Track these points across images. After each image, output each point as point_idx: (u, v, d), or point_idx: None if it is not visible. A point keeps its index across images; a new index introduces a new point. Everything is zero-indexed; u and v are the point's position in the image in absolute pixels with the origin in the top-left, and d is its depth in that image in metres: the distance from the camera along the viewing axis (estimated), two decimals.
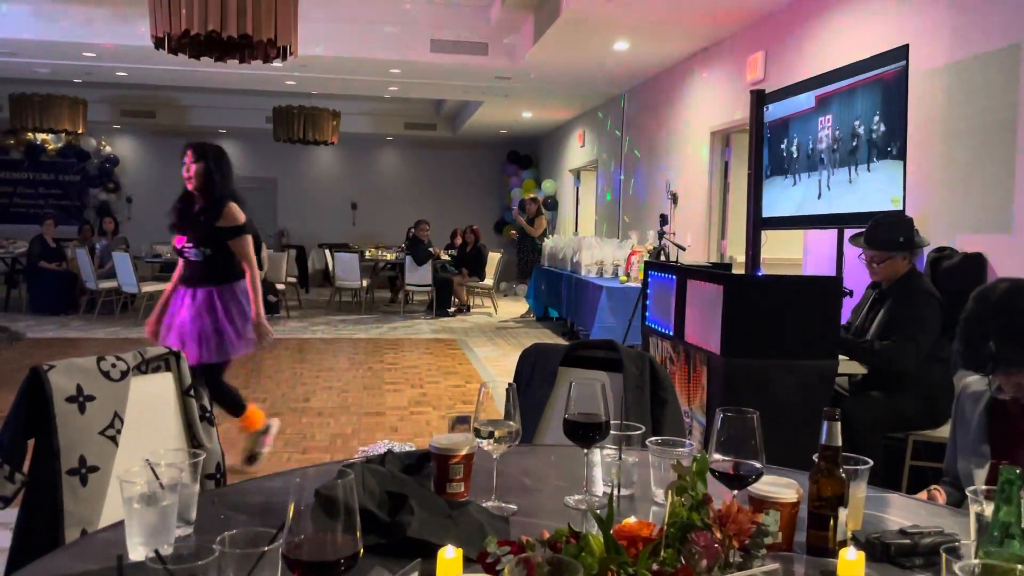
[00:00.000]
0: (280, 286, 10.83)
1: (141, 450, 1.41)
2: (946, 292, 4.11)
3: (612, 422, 1.59)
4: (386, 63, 9.48)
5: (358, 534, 0.96)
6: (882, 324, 3.73)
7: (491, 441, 1.54)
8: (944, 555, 1.10)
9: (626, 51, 8.32)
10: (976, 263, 4.09)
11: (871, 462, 1.47)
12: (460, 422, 1.67)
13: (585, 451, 1.58)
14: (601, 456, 1.67)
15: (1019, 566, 1.01)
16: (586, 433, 1.56)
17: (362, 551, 0.96)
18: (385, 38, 8.97)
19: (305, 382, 6.63)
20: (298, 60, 7.00)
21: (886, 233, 3.70)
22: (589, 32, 7.61)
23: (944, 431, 3.68)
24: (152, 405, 1.97)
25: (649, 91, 9.78)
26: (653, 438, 1.61)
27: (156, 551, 0.89)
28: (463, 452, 1.55)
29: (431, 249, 11.42)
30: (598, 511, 1.32)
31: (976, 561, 1.07)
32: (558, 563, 0.89)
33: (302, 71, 10.15)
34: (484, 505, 1.50)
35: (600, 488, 1.64)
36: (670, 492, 1.15)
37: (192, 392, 2.03)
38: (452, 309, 11.50)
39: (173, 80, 11.87)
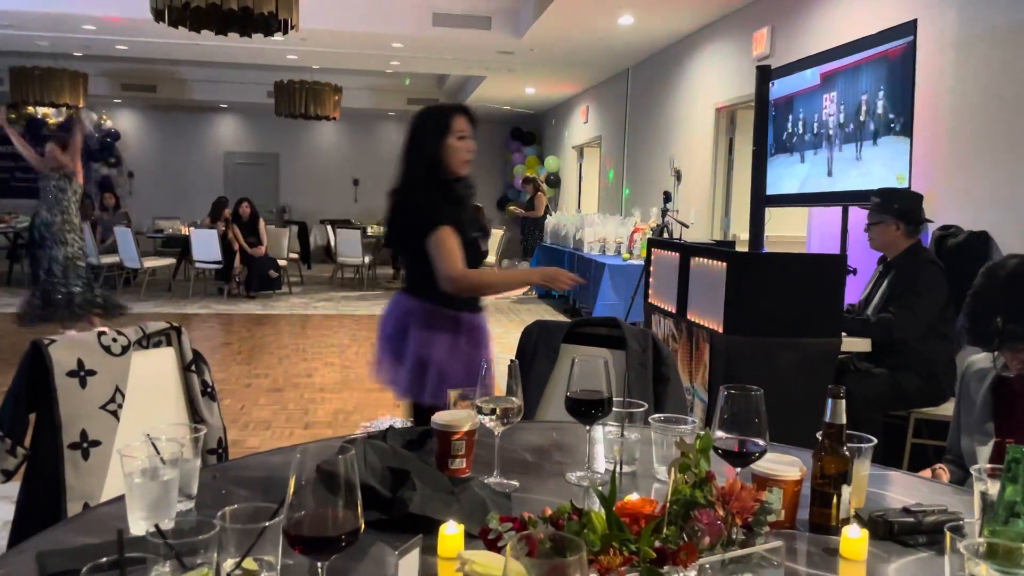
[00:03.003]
0: (282, 262, 10.82)
1: (142, 425, 1.40)
2: (951, 270, 4.10)
3: (614, 399, 1.59)
4: (388, 37, 9.39)
5: (359, 510, 0.95)
6: (884, 296, 3.76)
7: (493, 418, 1.53)
8: (948, 533, 1.09)
9: (630, 26, 8.23)
10: (982, 241, 4.06)
11: (874, 440, 1.46)
12: (462, 398, 1.66)
13: (587, 428, 1.58)
14: (603, 433, 1.66)
15: (1022, 544, 1.01)
16: (588, 410, 1.55)
17: (363, 527, 0.96)
18: (387, 12, 8.88)
19: (307, 358, 6.64)
20: (299, 34, 6.93)
21: (884, 199, 3.77)
22: (593, 6, 7.52)
23: (946, 409, 3.68)
24: (153, 380, 1.96)
25: (653, 67, 9.69)
26: (656, 415, 1.60)
27: (157, 526, 0.88)
28: (465, 428, 1.54)
29: None
30: (600, 488, 1.31)
31: (981, 539, 1.07)
32: (560, 540, 0.88)
33: (303, 45, 10.07)
34: (486, 481, 1.49)
35: (602, 465, 1.63)
36: (673, 469, 1.14)
37: (193, 367, 2.02)
38: None
39: (174, 54, 11.78)
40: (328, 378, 5.94)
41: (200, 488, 1.34)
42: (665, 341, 4.27)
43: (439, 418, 1.56)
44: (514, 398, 1.55)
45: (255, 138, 16.58)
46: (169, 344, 2.03)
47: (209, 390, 2.04)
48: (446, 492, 1.37)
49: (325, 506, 0.95)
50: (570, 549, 0.87)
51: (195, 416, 1.99)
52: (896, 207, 3.73)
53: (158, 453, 1.24)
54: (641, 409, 1.67)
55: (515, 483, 1.51)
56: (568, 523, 1.02)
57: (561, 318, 8.06)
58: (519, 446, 1.75)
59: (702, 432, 1.21)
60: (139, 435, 1.29)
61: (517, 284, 3.01)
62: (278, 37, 6.06)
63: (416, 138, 2.63)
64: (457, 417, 1.56)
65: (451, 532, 1.18)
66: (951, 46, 4.39)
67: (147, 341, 1.98)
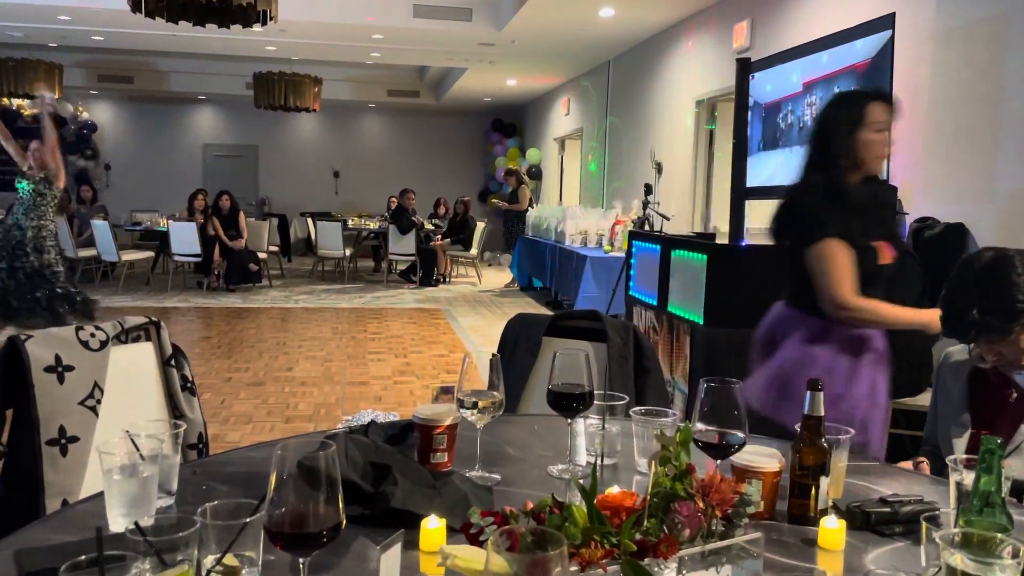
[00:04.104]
0: (262, 255, 10.75)
1: (122, 420, 1.39)
2: (929, 262, 4.15)
3: (596, 392, 1.60)
4: (368, 28, 9.34)
5: (341, 505, 0.95)
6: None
7: (475, 411, 1.53)
8: (924, 523, 1.11)
9: (611, 18, 8.23)
10: (958, 233, 4.11)
11: (852, 431, 1.48)
12: (444, 392, 1.66)
13: (568, 421, 1.58)
14: (584, 426, 1.67)
15: (999, 535, 1.02)
16: (570, 403, 1.56)
17: (345, 522, 0.96)
18: (367, 2, 8.83)
19: (288, 351, 6.61)
20: (278, 25, 6.88)
21: None
22: None
23: (923, 399, 3.73)
24: (132, 375, 1.95)
25: (634, 59, 9.70)
26: (637, 408, 1.61)
27: (136, 523, 0.88)
28: (447, 422, 1.54)
29: (415, 218, 11.35)
30: (581, 481, 1.32)
31: (956, 530, 1.08)
32: (541, 534, 0.89)
33: (283, 36, 9.99)
34: (468, 475, 1.50)
35: (583, 458, 1.64)
36: (653, 462, 1.15)
37: (173, 362, 2.01)
38: (437, 278, 11.47)
39: (151, 45, 11.65)
40: (309, 372, 5.92)
41: (180, 484, 1.33)
42: (646, 333, 4.29)
43: (421, 412, 1.56)
44: (496, 392, 1.55)
45: (234, 130, 16.44)
46: (148, 339, 2.01)
47: (189, 385, 2.03)
48: (428, 486, 1.37)
49: (306, 502, 0.94)
50: (551, 543, 0.87)
51: (175, 411, 1.98)
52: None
53: (137, 449, 1.23)
54: (622, 402, 1.68)
55: (497, 477, 1.52)
56: (549, 517, 1.03)
57: (543, 310, 8.08)
58: (501, 440, 1.75)
59: (682, 425, 1.22)
60: (118, 431, 1.28)
61: (917, 326, 2.30)
62: (257, 28, 6.01)
63: (825, 130, 2.24)
64: (439, 411, 1.56)
65: (433, 526, 1.19)
66: (929, 39, 4.42)
67: (126, 336, 1.96)
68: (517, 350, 2.51)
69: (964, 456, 1.31)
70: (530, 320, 2.60)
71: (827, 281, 2.12)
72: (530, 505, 1.07)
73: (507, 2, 8.53)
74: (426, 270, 11.35)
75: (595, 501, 1.05)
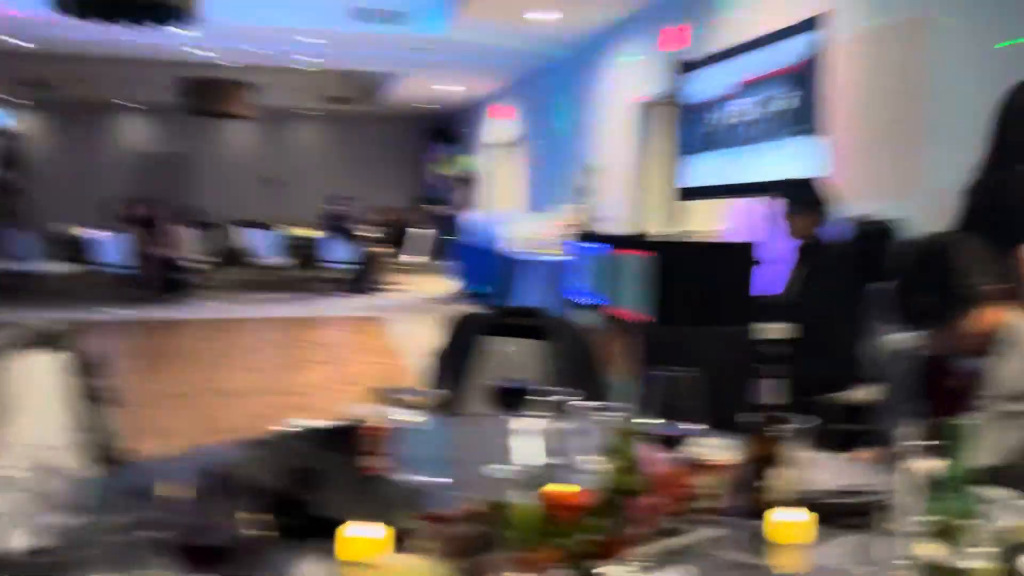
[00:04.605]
0: (192, 264, 10.42)
1: (22, 431, 1.25)
2: (864, 258, 4.20)
3: (539, 388, 1.52)
4: (302, 32, 9.14)
5: (258, 515, 0.85)
6: (797, 283, 3.83)
7: (411, 411, 1.44)
8: (881, 514, 1.06)
9: (550, 21, 8.22)
10: (889, 229, 4.17)
11: (807, 419, 1.43)
12: (381, 393, 1.56)
13: (510, 419, 1.50)
14: (527, 425, 1.58)
15: (963, 521, 0.97)
16: (511, 400, 1.48)
17: (266, 532, 0.85)
18: (302, 5, 8.64)
19: (218, 363, 6.37)
20: (208, 28, 6.68)
21: (795, 189, 3.89)
22: (512, 1, 7.47)
23: (863, 394, 3.76)
24: (36, 385, 1.79)
25: (572, 62, 9.72)
26: (582, 403, 1.52)
27: (35, 541, 0.77)
28: (381, 424, 1.44)
29: (351, 226, 11.16)
30: (525, 481, 1.23)
31: (919, 519, 1.03)
32: (479, 538, 0.80)
33: (213, 40, 9.71)
34: (404, 479, 1.40)
35: (527, 458, 1.55)
36: (603, 457, 1.07)
37: (82, 371, 1.86)
38: (373, 286, 11.30)
39: (75, 49, 11.21)
40: (239, 383, 5.71)
41: (83, 500, 1.20)
42: (592, 336, 4.22)
43: (354, 414, 1.45)
44: (435, 391, 1.46)
45: (164, 137, 15.95)
46: (55, 347, 1.85)
47: (100, 395, 1.88)
48: (357, 491, 1.26)
49: (219, 513, 0.84)
50: (489, 546, 0.79)
51: (82, 423, 1.82)
52: (807, 197, 3.83)
53: (37, 464, 1.10)
54: (567, 398, 1.59)
55: (436, 479, 1.42)
56: (490, 519, 0.93)
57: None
58: (442, 439, 1.65)
59: (632, 418, 1.15)
60: (18, 444, 1.14)
61: None
62: (182, 31, 5.80)
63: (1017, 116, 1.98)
64: (373, 413, 1.46)
65: (359, 534, 1.08)
66: (862, 38, 4.49)
67: (28, 343, 1.80)
68: (459, 349, 2.42)
69: (920, 442, 1.27)
70: (471, 319, 2.51)
71: None
72: (468, 508, 0.98)
73: (445, 6, 8.43)
74: (363, 278, 11.16)
75: (539, 500, 0.97)
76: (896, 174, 4.21)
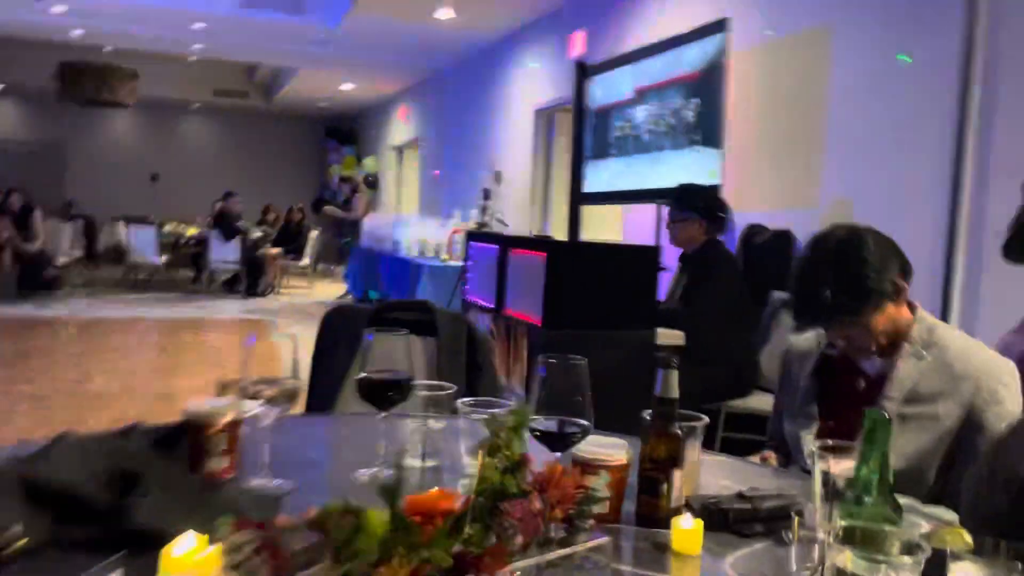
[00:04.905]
0: (62, 260, 9.69)
1: None
2: (758, 267, 4.23)
3: (417, 382, 1.34)
4: (189, 16, 8.65)
5: (47, 522, 0.64)
6: (683, 291, 3.84)
7: (263, 404, 1.23)
8: (795, 519, 0.94)
9: (449, 21, 8.06)
10: (785, 239, 4.20)
11: (706, 418, 1.31)
12: (228, 384, 1.34)
13: (383, 415, 1.32)
14: (404, 422, 1.40)
15: (888, 527, 0.86)
16: (384, 393, 1.30)
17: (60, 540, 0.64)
18: None
19: (84, 364, 5.88)
20: (88, 6, 6.17)
21: (687, 196, 3.85)
22: None
23: (752, 401, 3.75)
24: None
25: (474, 66, 9.60)
26: (465, 399, 1.36)
27: None
28: (226, 419, 1.23)
29: (240, 224, 10.66)
30: (389, 482, 1.05)
31: (837, 524, 0.91)
32: (319, 549, 0.62)
33: (93, 21, 9.09)
34: (252, 483, 1.19)
35: (401, 459, 1.37)
36: (480, 452, 0.91)
37: None
38: (265, 289, 10.82)
39: None
40: (106, 385, 5.26)
41: None
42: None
43: (193, 407, 1.24)
44: (292, 379, 1.26)
45: (36, 124, 14.89)
46: None
47: None
48: (192, 498, 1.05)
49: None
50: (329, 560, 0.61)
51: None
52: (698, 204, 3.83)
53: None
54: (448, 392, 1.42)
55: (291, 484, 1.22)
56: (336, 527, 0.75)
57: None
58: (301, 441, 1.45)
59: (518, 414, 0.98)
60: None
61: None
62: (59, 8, 5.33)
63: None
64: (216, 406, 1.24)
65: (183, 549, 0.87)
66: (763, 48, 4.53)
67: None
68: (336, 345, 2.21)
69: (830, 441, 1.16)
70: (351, 312, 2.31)
71: None
72: (312, 513, 0.79)
73: None
74: (253, 280, 10.66)
75: (402, 504, 0.79)
76: (796, 183, 4.25)
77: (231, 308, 9.38)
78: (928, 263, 3.27)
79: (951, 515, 1.45)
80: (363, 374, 1.31)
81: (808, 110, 4.15)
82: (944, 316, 3.29)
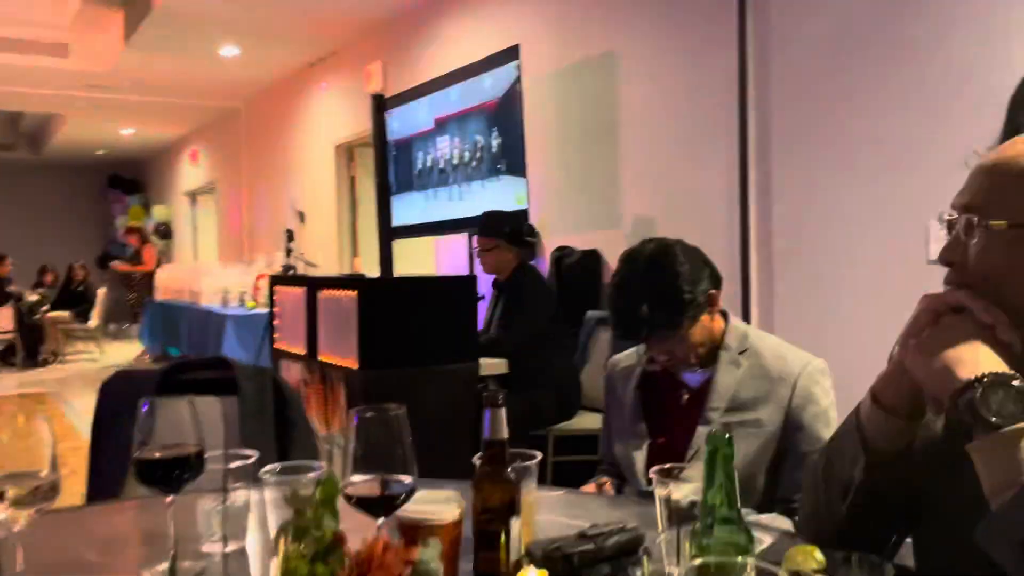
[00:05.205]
0: None
1: None
2: (570, 287, 4.29)
3: (209, 454, 1.15)
4: None
5: None
6: (499, 318, 3.85)
7: (9, 506, 1.00)
8: (643, 556, 0.86)
9: (237, 58, 7.70)
10: (593, 259, 4.29)
11: (539, 454, 1.22)
12: None
13: (169, 498, 1.12)
14: (198, 502, 1.21)
15: (740, 557, 0.79)
16: (168, 473, 1.10)
17: None
18: None
19: None
20: None
21: (493, 223, 3.90)
22: (190, 33, 6.87)
23: (578, 423, 3.76)
24: None
25: (268, 104, 9.24)
26: (269, 467, 1.18)
27: None
28: None
29: (12, 289, 9.58)
30: None
31: (688, 558, 0.84)
32: None
33: None
34: None
35: (198, 545, 1.18)
36: (283, 537, 0.75)
37: None
38: (48, 357, 9.76)
39: None
40: None
41: None
42: (297, 388, 3.84)
43: None
44: (44, 471, 1.04)
45: None
46: None
47: None
48: None
49: None
50: None
51: None
52: (504, 230, 3.87)
53: None
54: (249, 460, 1.24)
55: None
56: None
57: None
58: (75, 539, 1.21)
59: (329, 480, 0.84)
60: None
61: None
62: None
63: None
64: None
65: None
66: (552, 75, 4.62)
67: None
68: (118, 417, 1.93)
69: (668, 465, 1.11)
70: (136, 378, 2.04)
71: None
72: None
73: (112, 35, 7.55)
74: (30, 349, 9.58)
75: None
76: (600, 205, 4.35)
77: (7, 383, 8.35)
78: (728, 272, 3.42)
79: (786, 523, 1.45)
80: (138, 454, 1.11)
81: (603, 133, 4.28)
82: (746, 321, 3.46)
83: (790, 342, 1.69)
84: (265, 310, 6.76)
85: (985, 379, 0.83)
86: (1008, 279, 0.91)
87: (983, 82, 2.63)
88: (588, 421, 3.70)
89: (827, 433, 1.56)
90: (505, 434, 1.05)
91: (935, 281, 1.02)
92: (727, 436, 0.85)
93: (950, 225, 0.98)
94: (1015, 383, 0.83)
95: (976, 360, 0.86)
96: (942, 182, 2.75)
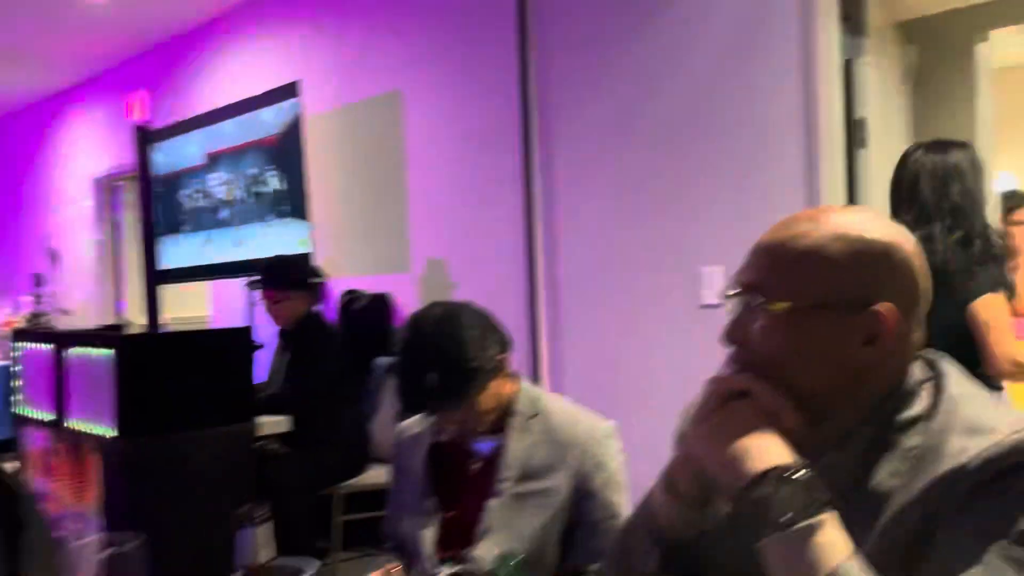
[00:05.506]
0: None
1: None
2: (359, 333, 4.11)
3: None
4: None
5: None
6: (287, 368, 3.63)
7: None
8: None
9: None
10: (383, 302, 4.15)
11: (316, 562, 1.07)
12: None
13: None
14: None
15: None
16: None
17: None
18: None
19: None
20: None
21: (285, 272, 3.70)
22: None
23: (368, 478, 3.58)
24: None
25: (15, 131, 8.27)
26: None
27: None
28: None
29: None
30: None
31: None
32: None
33: None
34: None
35: None
36: None
37: None
38: None
39: None
40: None
41: None
42: (42, 458, 3.37)
43: None
44: None
45: None
46: None
47: None
48: None
49: None
50: None
51: None
52: (297, 279, 3.68)
53: None
54: None
55: None
56: None
57: None
58: None
59: None
60: None
61: None
62: None
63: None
64: None
65: None
66: (335, 113, 4.45)
67: None
68: None
69: (458, 567, 1.00)
70: None
71: (994, 338, 2.13)
72: None
73: None
74: None
75: None
76: (388, 247, 4.22)
77: None
78: (514, 316, 3.41)
79: None
80: None
81: (389, 173, 4.17)
82: (535, 367, 3.46)
83: (581, 398, 1.66)
84: (6, 363, 5.96)
85: (771, 472, 0.80)
86: (791, 361, 0.89)
87: (747, 142, 2.82)
88: (378, 475, 3.53)
89: (618, 499, 1.53)
90: (263, 558, 0.89)
91: (710, 324, 0.99)
92: (519, 558, 0.76)
93: (733, 302, 0.96)
94: (800, 475, 0.80)
95: (762, 451, 0.83)
96: (714, 232, 2.90)
